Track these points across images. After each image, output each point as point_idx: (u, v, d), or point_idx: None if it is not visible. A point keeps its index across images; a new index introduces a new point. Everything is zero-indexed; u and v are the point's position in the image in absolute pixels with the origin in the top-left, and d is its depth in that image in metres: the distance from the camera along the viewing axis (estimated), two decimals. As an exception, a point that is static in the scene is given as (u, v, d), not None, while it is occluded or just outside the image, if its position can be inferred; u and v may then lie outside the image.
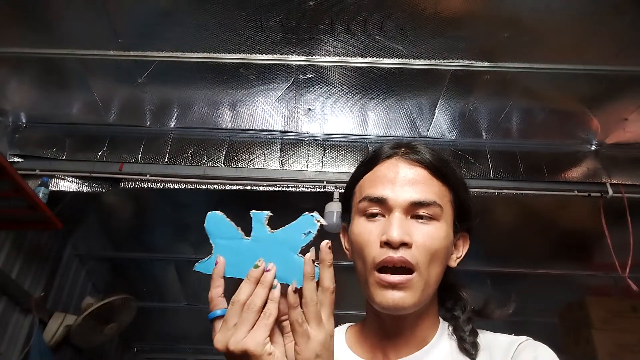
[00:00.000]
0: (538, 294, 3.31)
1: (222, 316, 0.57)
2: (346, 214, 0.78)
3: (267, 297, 0.57)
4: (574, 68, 2.01)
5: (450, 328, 0.73)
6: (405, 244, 0.65)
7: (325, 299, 0.56)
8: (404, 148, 0.74)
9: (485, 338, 0.71)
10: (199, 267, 0.63)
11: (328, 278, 0.57)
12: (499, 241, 2.83)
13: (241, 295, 0.56)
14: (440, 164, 0.72)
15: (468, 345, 0.69)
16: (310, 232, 0.61)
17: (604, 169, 2.41)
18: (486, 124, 2.38)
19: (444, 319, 0.75)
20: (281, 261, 0.60)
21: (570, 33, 1.87)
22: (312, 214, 0.61)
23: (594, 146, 2.48)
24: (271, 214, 0.63)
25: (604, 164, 2.42)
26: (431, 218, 0.68)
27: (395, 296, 0.65)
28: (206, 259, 0.63)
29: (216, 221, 0.64)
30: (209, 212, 0.65)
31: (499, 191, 2.39)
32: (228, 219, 0.64)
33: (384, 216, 0.69)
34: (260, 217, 0.63)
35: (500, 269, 3.20)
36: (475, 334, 0.70)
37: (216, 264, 0.60)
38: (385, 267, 0.66)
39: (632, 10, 1.75)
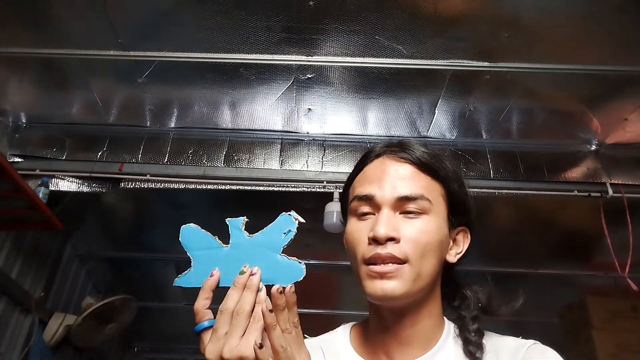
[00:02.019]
0: (538, 294, 3.31)
1: (209, 327, 0.57)
2: (344, 216, 0.78)
3: (255, 301, 0.57)
4: (574, 68, 2.01)
5: (456, 330, 0.72)
6: (392, 239, 0.65)
7: (289, 337, 0.56)
8: (393, 147, 0.74)
9: (492, 341, 0.70)
10: (179, 281, 0.63)
11: (282, 321, 0.56)
12: (499, 241, 2.83)
13: (229, 303, 0.57)
14: (429, 159, 0.72)
15: (473, 348, 0.68)
16: (290, 230, 0.61)
17: (604, 169, 2.41)
18: (486, 124, 2.38)
19: (450, 320, 0.74)
20: (264, 263, 0.60)
21: (570, 33, 1.87)
22: (289, 213, 0.62)
23: (594, 146, 2.48)
24: (247, 219, 0.63)
25: (604, 164, 2.42)
26: (420, 212, 0.68)
27: (385, 285, 0.65)
28: (186, 272, 0.63)
29: (191, 233, 0.64)
30: (182, 226, 0.64)
31: (499, 191, 2.39)
32: (203, 230, 0.64)
33: (373, 214, 0.69)
34: (236, 223, 0.63)
35: (500, 269, 3.21)
36: (481, 334, 0.70)
37: (211, 275, 0.60)
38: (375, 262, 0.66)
39: (632, 10, 1.74)
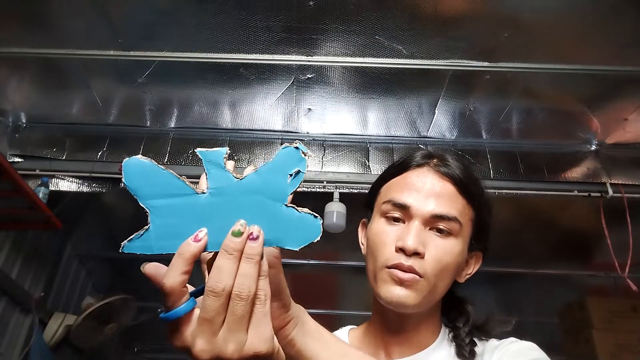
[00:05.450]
0: (538, 294, 3.31)
1: (189, 313, 0.41)
2: (368, 211, 0.79)
3: (260, 274, 0.41)
4: (574, 68, 2.01)
5: (450, 335, 0.75)
6: (417, 254, 0.67)
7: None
8: (436, 159, 0.75)
9: (480, 345, 0.74)
10: (130, 246, 0.43)
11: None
12: (499, 241, 2.81)
13: (224, 278, 0.40)
14: (469, 181, 0.74)
15: (466, 352, 0.71)
16: (299, 171, 0.44)
17: (604, 169, 2.41)
18: (486, 124, 2.38)
19: (445, 326, 0.78)
20: (265, 218, 0.42)
21: (570, 33, 1.87)
22: (295, 145, 0.44)
23: (594, 146, 2.47)
24: (230, 151, 0.45)
25: (604, 164, 2.42)
26: (449, 233, 0.70)
27: (400, 293, 0.67)
28: (140, 232, 0.44)
29: (143, 173, 0.42)
30: (124, 161, 0.43)
31: (499, 191, 2.39)
32: (163, 167, 0.43)
33: (404, 222, 0.70)
34: (216, 157, 0.44)
35: (500, 269, 3.20)
36: (474, 344, 0.73)
37: (196, 240, 0.42)
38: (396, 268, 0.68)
39: (631, 10, 1.74)
